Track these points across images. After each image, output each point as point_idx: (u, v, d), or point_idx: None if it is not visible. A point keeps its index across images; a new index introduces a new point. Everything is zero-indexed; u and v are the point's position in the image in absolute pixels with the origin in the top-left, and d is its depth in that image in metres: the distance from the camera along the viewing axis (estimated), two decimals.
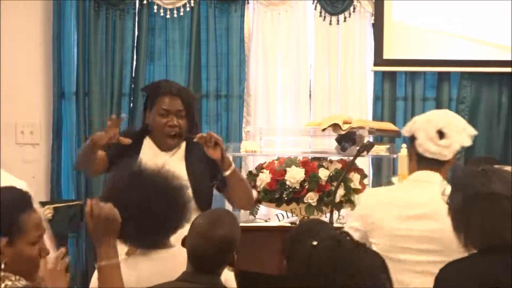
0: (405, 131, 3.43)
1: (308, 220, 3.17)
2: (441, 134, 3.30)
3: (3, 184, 2.62)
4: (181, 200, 2.95)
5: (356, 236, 3.29)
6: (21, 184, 2.91)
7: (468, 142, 3.36)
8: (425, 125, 3.32)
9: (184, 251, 2.77)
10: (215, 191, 4.07)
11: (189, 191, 3.18)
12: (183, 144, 3.95)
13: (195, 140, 3.82)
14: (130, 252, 3.04)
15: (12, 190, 2.54)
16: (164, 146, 3.93)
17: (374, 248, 3.25)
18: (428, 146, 3.28)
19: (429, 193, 3.26)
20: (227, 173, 3.84)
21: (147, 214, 2.84)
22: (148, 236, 2.84)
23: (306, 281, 2.25)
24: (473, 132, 3.40)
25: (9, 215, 2.43)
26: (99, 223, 2.62)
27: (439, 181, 3.30)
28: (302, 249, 2.30)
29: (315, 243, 2.28)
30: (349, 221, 3.49)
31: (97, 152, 3.85)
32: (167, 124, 3.88)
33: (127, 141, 3.78)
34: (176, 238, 2.94)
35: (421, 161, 3.33)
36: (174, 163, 3.76)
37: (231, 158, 4.08)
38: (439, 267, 3.11)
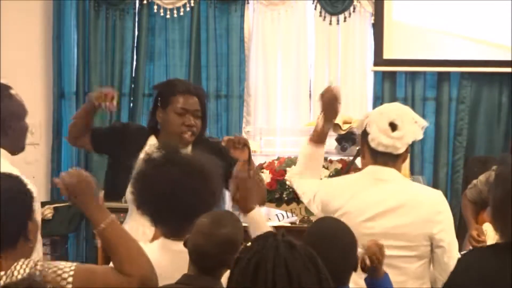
0: (357, 126, 3.43)
1: None
2: (393, 126, 3.28)
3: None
4: (217, 183, 2.94)
5: (317, 213, 3.34)
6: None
7: (420, 135, 3.34)
8: (377, 118, 3.29)
9: None
10: None
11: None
12: (189, 147, 3.90)
13: (223, 143, 3.78)
14: (155, 238, 3.03)
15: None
16: (179, 145, 3.87)
17: None
18: (381, 139, 3.26)
19: (391, 190, 3.25)
20: (251, 172, 3.81)
21: (184, 195, 2.83)
22: (182, 220, 2.82)
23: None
24: (425, 123, 3.37)
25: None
26: (83, 189, 2.56)
27: (399, 178, 3.30)
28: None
29: (248, 244, 2.25)
30: (306, 193, 3.52)
31: (91, 111, 3.85)
32: (184, 124, 3.81)
33: (113, 108, 3.80)
34: None
35: (375, 157, 3.30)
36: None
37: None
38: (404, 261, 3.15)
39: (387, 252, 2.94)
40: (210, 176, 2.91)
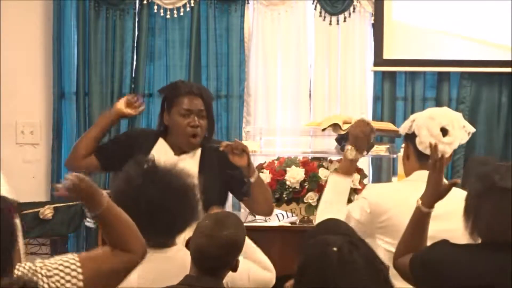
0: (404, 128, 3.43)
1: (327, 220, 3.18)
2: (444, 132, 3.31)
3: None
4: (194, 199, 2.94)
5: (360, 218, 3.31)
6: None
7: (465, 140, 3.38)
8: (428, 123, 3.32)
9: (185, 251, 2.77)
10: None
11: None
12: (198, 150, 3.89)
13: (221, 148, 3.76)
14: None
15: None
16: (185, 147, 3.86)
17: (383, 245, 3.27)
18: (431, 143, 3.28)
19: None
20: (252, 180, 3.79)
21: (160, 212, 2.83)
22: (158, 234, 2.83)
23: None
24: (472, 129, 3.42)
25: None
26: (82, 192, 2.54)
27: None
28: (324, 254, 2.27)
29: (335, 249, 2.24)
30: (356, 203, 3.46)
31: (115, 122, 3.90)
32: (189, 124, 3.80)
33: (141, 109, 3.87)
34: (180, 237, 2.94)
35: (421, 159, 3.33)
36: (187, 167, 3.73)
37: None
38: None
39: None
40: (188, 192, 2.91)
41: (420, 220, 2.90)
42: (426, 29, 5.96)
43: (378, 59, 6.00)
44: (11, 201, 2.46)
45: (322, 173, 4.95)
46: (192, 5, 6.01)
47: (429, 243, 2.95)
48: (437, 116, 3.36)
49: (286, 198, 4.95)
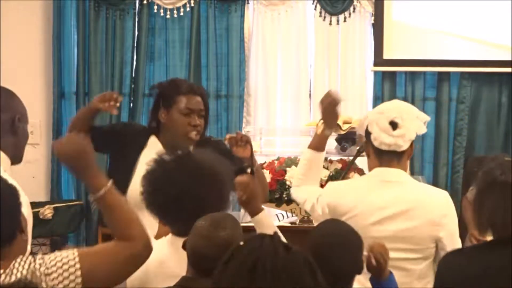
0: (359, 127, 3.44)
1: None
2: (394, 125, 3.29)
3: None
4: (225, 188, 2.94)
5: (322, 216, 3.32)
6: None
7: (423, 130, 3.35)
8: (377, 118, 3.31)
9: None
10: None
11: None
12: (191, 148, 3.89)
13: (225, 141, 3.77)
14: (159, 236, 3.04)
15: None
16: (183, 145, 3.86)
17: None
18: (383, 138, 3.27)
19: (399, 193, 3.26)
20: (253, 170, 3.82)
21: (193, 198, 2.84)
22: (185, 220, 2.83)
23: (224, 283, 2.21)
24: (427, 118, 3.39)
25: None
26: (78, 157, 2.51)
27: (407, 180, 3.31)
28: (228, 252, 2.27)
29: (241, 243, 2.23)
30: (319, 199, 3.46)
31: (92, 114, 3.84)
32: (190, 124, 3.81)
33: (115, 111, 3.80)
34: None
35: (379, 156, 3.32)
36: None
37: None
38: (410, 262, 3.16)
39: (394, 255, 2.95)
40: (219, 180, 2.92)
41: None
42: (426, 29, 5.96)
43: (378, 59, 6.00)
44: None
45: (322, 173, 4.95)
46: (192, 5, 6.01)
47: (390, 243, 2.95)
48: (386, 110, 3.34)
49: (286, 198, 4.95)
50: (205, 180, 2.88)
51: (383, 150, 3.29)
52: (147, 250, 2.50)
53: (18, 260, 2.36)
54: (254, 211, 3.03)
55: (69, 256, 2.39)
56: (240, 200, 3.03)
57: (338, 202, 3.34)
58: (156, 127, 3.87)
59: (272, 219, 3.07)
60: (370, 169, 3.42)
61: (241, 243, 2.19)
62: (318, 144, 3.49)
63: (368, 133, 3.34)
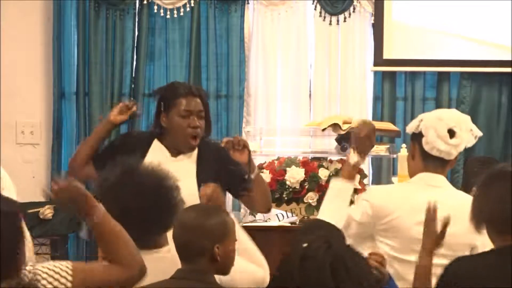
0: (410, 127, 3.41)
1: (308, 220, 3.19)
2: (451, 133, 3.30)
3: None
4: (173, 200, 2.94)
5: (360, 220, 3.30)
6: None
7: (472, 143, 3.37)
8: (435, 123, 3.31)
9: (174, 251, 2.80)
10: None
11: (181, 192, 3.12)
12: (195, 151, 3.87)
13: (222, 144, 3.77)
14: None
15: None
16: (185, 148, 3.84)
17: (383, 248, 3.26)
18: (438, 145, 3.28)
19: (441, 198, 3.25)
20: (253, 176, 3.80)
21: (138, 213, 2.84)
22: (138, 235, 2.83)
23: (303, 283, 2.25)
24: (479, 133, 3.41)
25: None
26: (74, 199, 2.52)
27: (448, 186, 3.33)
28: (295, 251, 2.30)
29: (305, 245, 2.27)
30: (357, 206, 3.44)
31: (110, 129, 3.87)
32: (189, 125, 3.79)
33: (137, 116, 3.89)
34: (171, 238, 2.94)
35: (426, 160, 3.32)
36: (185, 167, 3.72)
37: None
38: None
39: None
40: (166, 191, 2.91)
41: (424, 269, 2.92)
42: (426, 29, 5.96)
43: (378, 59, 6.00)
44: (17, 204, 2.43)
45: (322, 173, 4.95)
46: (192, 5, 6.01)
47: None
48: (445, 117, 3.34)
49: (286, 198, 4.95)
50: (149, 194, 2.87)
51: (432, 155, 3.30)
52: (142, 274, 2.51)
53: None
54: None
55: (62, 267, 2.40)
56: None
57: (384, 203, 3.33)
58: (159, 132, 3.87)
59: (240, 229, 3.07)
60: (410, 171, 3.42)
61: (305, 244, 2.25)
62: (348, 174, 3.40)
63: (419, 135, 3.33)
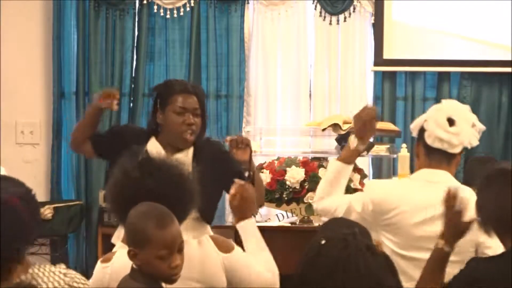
0: (414, 126, 3.40)
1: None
2: (450, 121, 3.29)
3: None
4: (191, 187, 2.93)
5: (361, 213, 3.30)
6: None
7: (476, 141, 3.34)
8: (435, 114, 3.30)
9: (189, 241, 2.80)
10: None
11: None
12: (191, 149, 3.88)
13: (226, 143, 3.78)
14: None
15: None
16: (180, 145, 3.85)
17: (386, 242, 3.26)
18: (438, 133, 3.26)
19: (440, 194, 3.24)
20: (251, 174, 3.82)
21: (159, 202, 2.82)
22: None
23: (313, 280, 2.24)
24: (482, 127, 3.38)
25: None
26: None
27: (451, 181, 3.30)
28: (312, 248, 2.30)
29: (323, 242, 2.27)
30: (358, 197, 3.42)
31: (98, 114, 3.88)
32: (184, 123, 3.79)
33: (115, 107, 3.87)
34: None
35: (430, 155, 3.30)
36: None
37: None
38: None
39: None
40: (185, 184, 2.90)
41: (441, 259, 2.87)
42: (426, 29, 5.96)
43: (378, 59, 6.00)
44: (19, 191, 2.39)
45: (322, 173, 4.94)
46: (192, 5, 6.01)
47: (431, 244, 2.94)
48: (444, 106, 3.35)
49: (286, 198, 4.95)
50: (170, 187, 2.86)
51: (434, 148, 3.28)
52: None
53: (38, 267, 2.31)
54: (241, 217, 3.02)
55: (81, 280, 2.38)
56: (231, 203, 3.02)
57: (384, 198, 3.31)
58: (155, 129, 3.88)
59: (257, 230, 3.03)
60: (418, 169, 3.39)
61: (323, 241, 2.25)
62: (348, 158, 3.41)
63: (422, 132, 3.32)
